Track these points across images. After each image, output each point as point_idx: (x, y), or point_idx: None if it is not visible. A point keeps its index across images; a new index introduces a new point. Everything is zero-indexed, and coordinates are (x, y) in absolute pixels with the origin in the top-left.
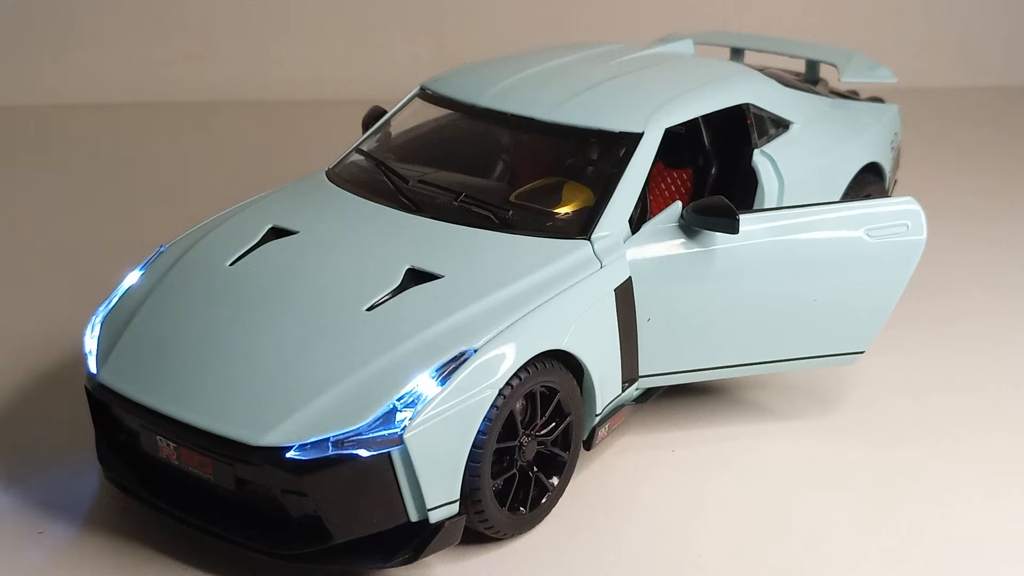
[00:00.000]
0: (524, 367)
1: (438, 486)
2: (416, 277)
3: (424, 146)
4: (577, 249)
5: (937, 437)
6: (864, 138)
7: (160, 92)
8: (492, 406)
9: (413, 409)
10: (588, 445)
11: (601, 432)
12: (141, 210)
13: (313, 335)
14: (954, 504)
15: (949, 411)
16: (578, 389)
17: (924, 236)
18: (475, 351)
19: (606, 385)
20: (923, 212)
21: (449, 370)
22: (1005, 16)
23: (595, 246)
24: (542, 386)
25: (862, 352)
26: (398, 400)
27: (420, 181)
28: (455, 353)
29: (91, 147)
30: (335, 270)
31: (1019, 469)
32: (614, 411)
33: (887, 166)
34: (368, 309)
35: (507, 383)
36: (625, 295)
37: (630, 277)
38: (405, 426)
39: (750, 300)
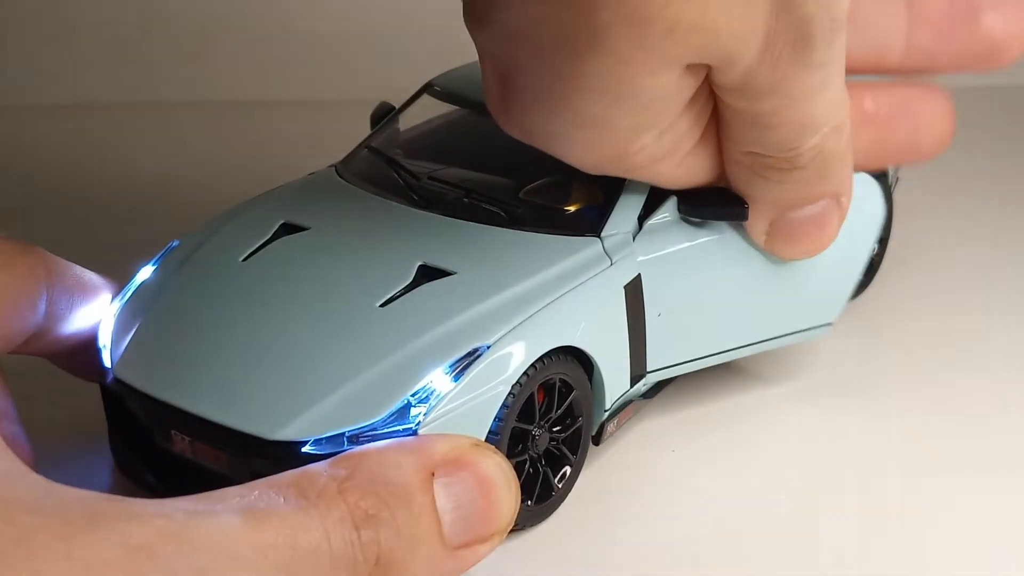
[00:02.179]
0: (536, 363)
1: None
2: (428, 273)
3: (433, 142)
4: (588, 246)
5: (937, 434)
6: None
7: (160, 92)
8: (504, 402)
9: (427, 405)
10: (597, 440)
11: (610, 427)
12: (146, 208)
13: (327, 330)
14: (956, 503)
15: (952, 409)
16: (588, 385)
17: (882, 211)
18: (488, 347)
19: (615, 380)
20: (880, 186)
21: (462, 366)
22: None
23: (605, 243)
24: (554, 382)
25: (831, 323)
26: (412, 396)
27: (430, 177)
28: (468, 349)
29: (93, 147)
30: (348, 266)
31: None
32: (623, 406)
33: None
34: (381, 305)
35: (519, 379)
36: (634, 292)
37: (639, 274)
38: (419, 422)
39: (741, 284)
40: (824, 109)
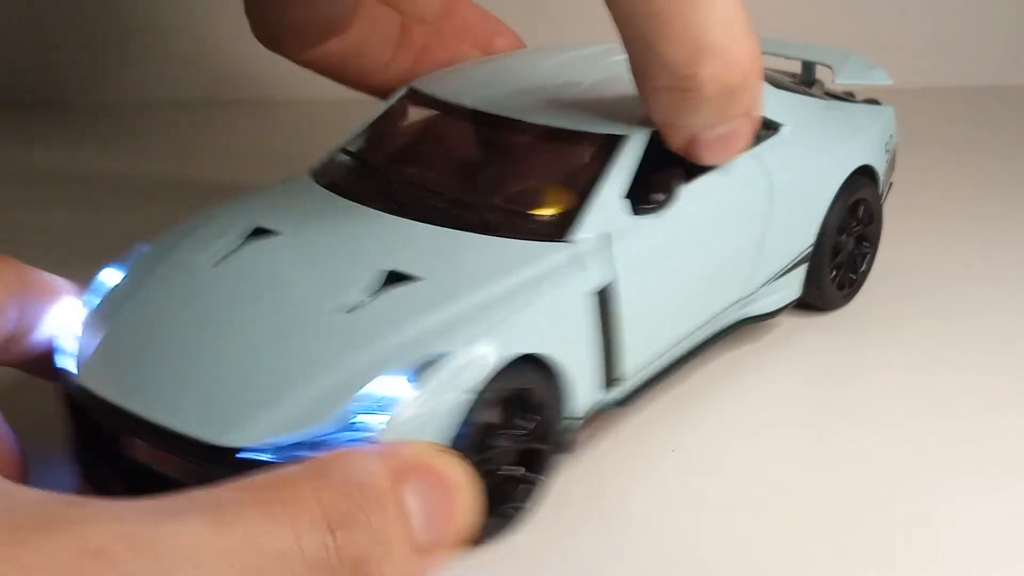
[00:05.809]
0: (500, 372)
1: None
2: (395, 280)
3: (409, 147)
4: (557, 252)
5: (935, 438)
6: (857, 141)
7: (161, 92)
8: (467, 411)
9: (387, 413)
10: (568, 448)
11: (580, 434)
12: (144, 208)
13: (289, 337)
14: (953, 505)
15: (949, 413)
16: (556, 393)
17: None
18: (450, 355)
19: (586, 388)
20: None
21: (423, 373)
22: (1003, 16)
23: (576, 248)
24: (520, 389)
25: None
26: (369, 403)
27: (403, 182)
28: (430, 357)
29: (91, 146)
30: (315, 272)
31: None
32: (596, 413)
33: (881, 169)
34: (346, 312)
35: (483, 387)
36: (608, 297)
37: (614, 279)
38: (377, 429)
39: (716, 259)
40: (717, 31)
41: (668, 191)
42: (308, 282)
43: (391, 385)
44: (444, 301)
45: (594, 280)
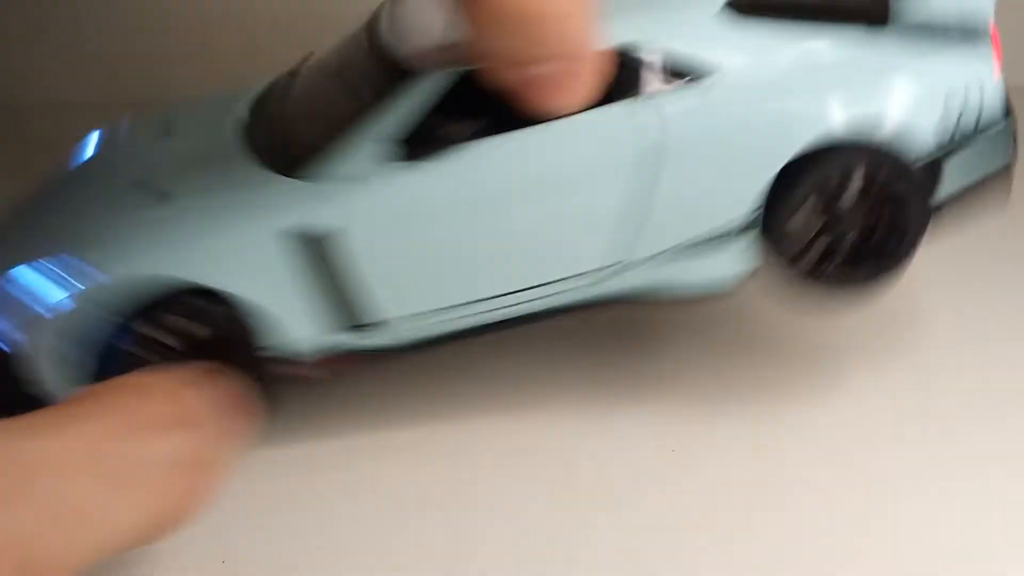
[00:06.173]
0: (165, 300)
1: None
2: (159, 198)
3: (311, 73)
4: (286, 189)
5: (938, 437)
6: (855, 91)
7: (160, 92)
8: (117, 332)
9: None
10: (303, 380)
11: (308, 370)
12: None
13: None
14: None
15: (949, 413)
16: (243, 325)
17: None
18: (110, 273)
19: (304, 328)
20: None
21: (79, 288)
22: (1003, 16)
23: (308, 188)
24: (186, 315)
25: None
26: (18, 287)
27: (269, 112)
28: (94, 274)
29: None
30: (138, 176)
31: None
32: (337, 355)
33: (925, 133)
34: (111, 213)
35: (140, 313)
36: (334, 241)
37: (348, 223)
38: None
39: (518, 217)
40: None
41: (446, 140)
42: (128, 183)
43: (36, 279)
44: (151, 222)
45: (318, 222)
